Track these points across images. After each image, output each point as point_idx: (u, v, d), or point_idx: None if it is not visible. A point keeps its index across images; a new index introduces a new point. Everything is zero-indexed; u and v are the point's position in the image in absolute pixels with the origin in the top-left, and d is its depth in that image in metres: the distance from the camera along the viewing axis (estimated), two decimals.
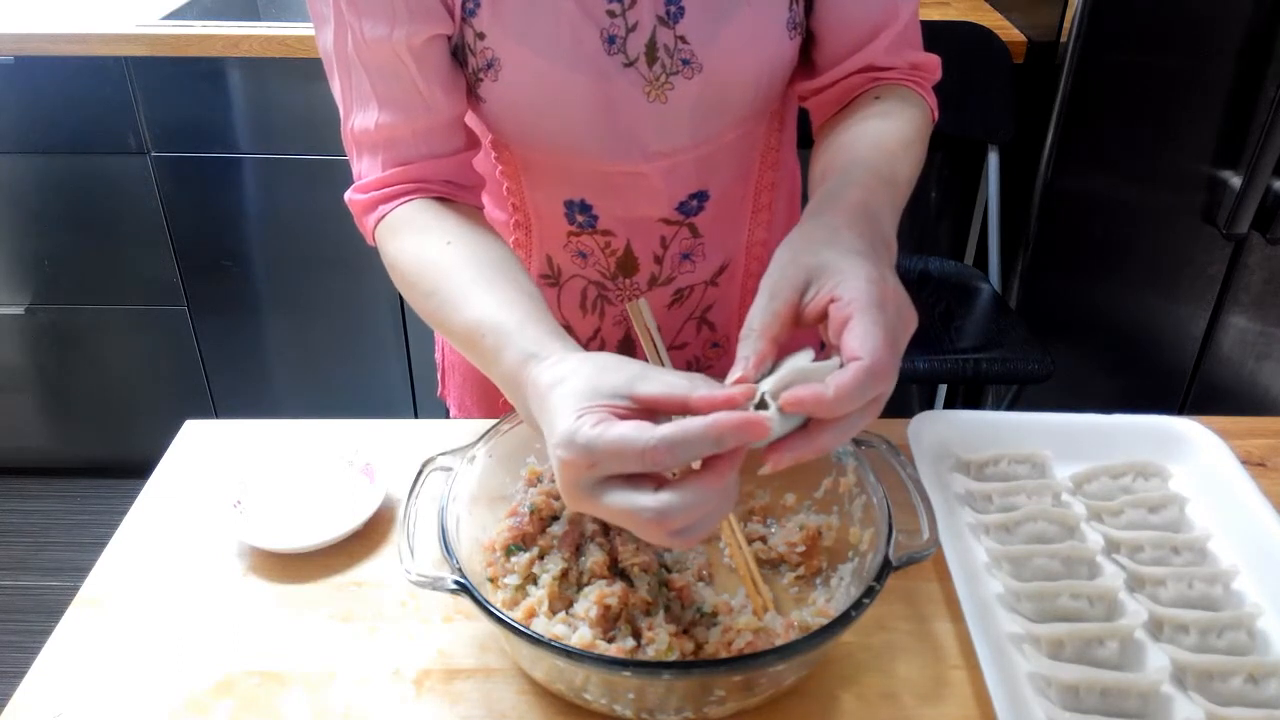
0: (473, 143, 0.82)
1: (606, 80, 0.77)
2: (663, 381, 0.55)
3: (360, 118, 0.77)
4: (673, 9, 0.76)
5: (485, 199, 0.93)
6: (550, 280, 0.94)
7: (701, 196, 0.88)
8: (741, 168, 0.90)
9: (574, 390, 0.55)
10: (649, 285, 0.93)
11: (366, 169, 0.79)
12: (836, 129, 0.81)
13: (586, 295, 0.94)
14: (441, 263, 0.72)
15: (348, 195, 0.80)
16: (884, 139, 0.77)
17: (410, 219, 0.77)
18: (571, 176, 0.86)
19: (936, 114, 0.85)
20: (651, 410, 0.55)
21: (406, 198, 0.78)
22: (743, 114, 0.83)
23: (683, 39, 0.77)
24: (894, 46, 0.82)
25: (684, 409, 0.55)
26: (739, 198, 0.91)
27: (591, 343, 0.97)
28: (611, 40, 0.77)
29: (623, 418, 0.54)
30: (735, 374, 0.58)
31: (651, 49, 0.77)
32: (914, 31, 0.84)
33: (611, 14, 0.76)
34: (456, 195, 0.80)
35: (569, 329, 0.95)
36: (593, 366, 0.57)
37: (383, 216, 0.78)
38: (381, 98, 0.76)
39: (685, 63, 0.78)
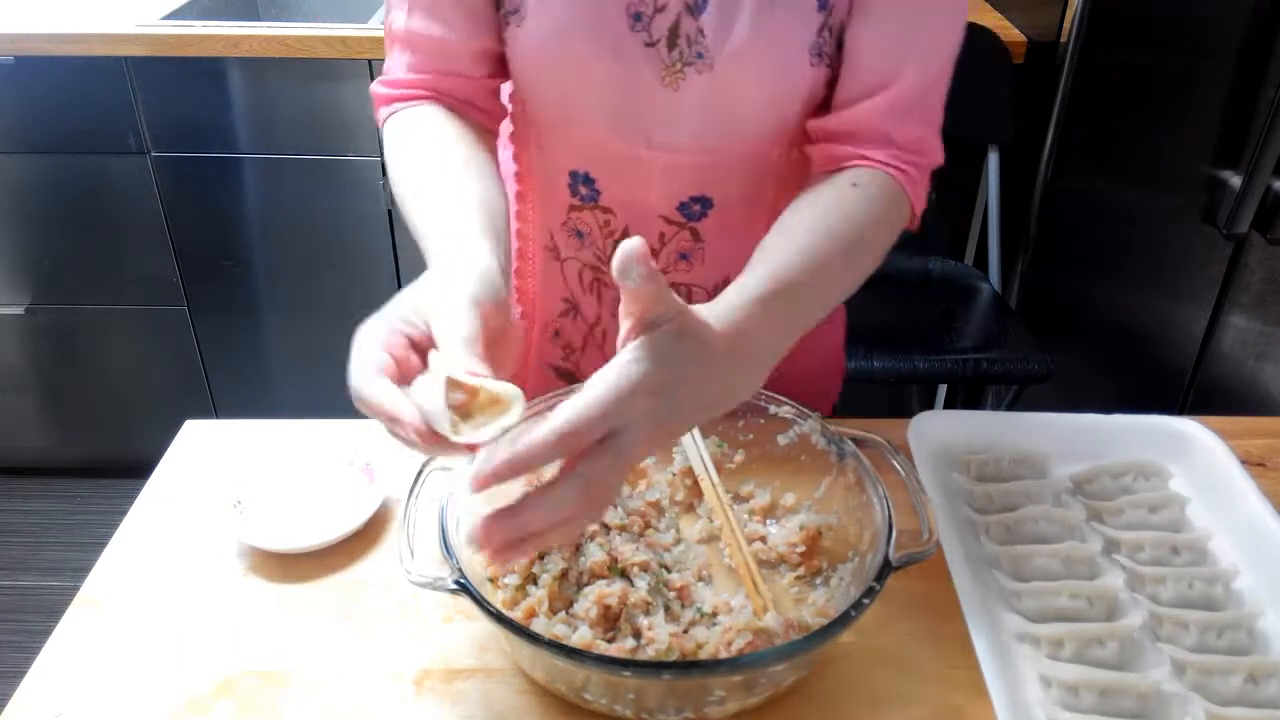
0: (496, 73, 0.84)
1: (624, 56, 0.78)
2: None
3: (396, 14, 0.82)
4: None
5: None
6: (554, 254, 0.95)
7: (704, 202, 0.87)
8: (751, 186, 0.87)
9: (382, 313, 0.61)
10: None
11: (394, 66, 0.83)
12: (794, 205, 0.76)
13: (583, 278, 0.94)
14: (420, 167, 0.76)
15: (373, 85, 0.84)
16: (823, 250, 0.71)
17: (414, 122, 0.80)
18: (577, 145, 0.87)
19: (921, 206, 0.80)
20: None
21: (419, 102, 0.82)
22: (753, 130, 0.82)
23: (701, 31, 0.77)
24: (890, 114, 0.77)
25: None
26: (748, 217, 0.88)
27: (594, 330, 0.97)
28: (637, 17, 0.77)
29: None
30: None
31: (674, 34, 0.77)
32: (922, 106, 0.79)
33: None
34: (470, 114, 0.83)
35: (575, 305, 0.96)
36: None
37: (394, 113, 0.82)
38: (413, 1, 0.80)
39: (700, 56, 0.77)
